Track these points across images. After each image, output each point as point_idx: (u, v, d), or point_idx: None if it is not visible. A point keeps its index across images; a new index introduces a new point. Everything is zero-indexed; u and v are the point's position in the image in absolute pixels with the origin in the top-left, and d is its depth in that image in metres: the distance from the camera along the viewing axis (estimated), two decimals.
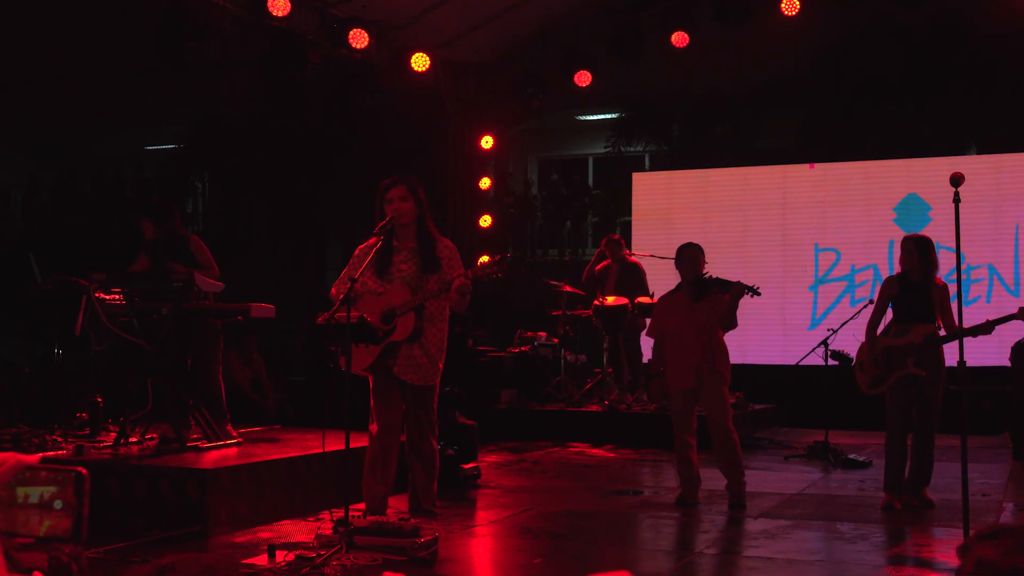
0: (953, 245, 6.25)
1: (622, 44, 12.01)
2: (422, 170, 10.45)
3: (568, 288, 12.18)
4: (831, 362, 10.01)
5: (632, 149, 17.02)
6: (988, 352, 10.89)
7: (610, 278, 11.78)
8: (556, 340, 12.57)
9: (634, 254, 12.31)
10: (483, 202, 13.72)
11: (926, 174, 13.57)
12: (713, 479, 7.73)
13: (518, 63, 12.90)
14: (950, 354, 6.89)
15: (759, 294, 7.43)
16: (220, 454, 7.09)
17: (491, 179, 13.76)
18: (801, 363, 10.59)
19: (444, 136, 13.45)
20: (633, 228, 14.83)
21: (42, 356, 9.28)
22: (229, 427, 7.65)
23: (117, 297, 7.14)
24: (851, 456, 9.59)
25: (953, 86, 14.55)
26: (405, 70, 11.78)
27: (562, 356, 12.43)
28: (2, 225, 19.57)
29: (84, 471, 1.27)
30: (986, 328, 6.93)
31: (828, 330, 10.22)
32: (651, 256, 11.87)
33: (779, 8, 11.25)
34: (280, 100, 15.84)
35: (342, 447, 5.81)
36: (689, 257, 7.61)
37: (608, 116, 17.24)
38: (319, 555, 5.41)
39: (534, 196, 18.00)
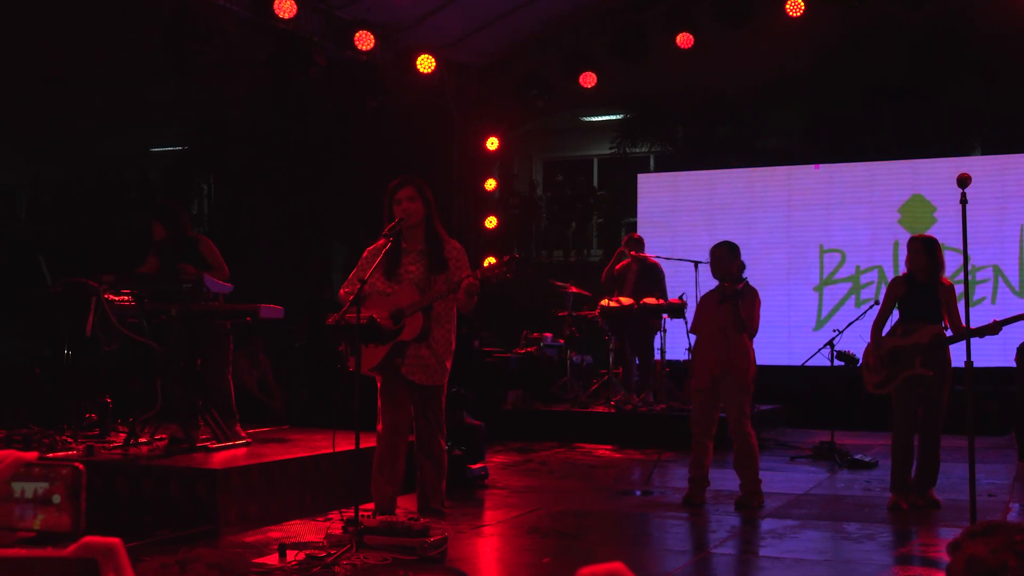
0: (958, 246, 6.29)
1: (625, 45, 12.02)
2: (427, 172, 10.48)
3: (574, 289, 12.19)
4: (837, 363, 10.02)
5: (637, 150, 17.03)
6: (993, 353, 10.90)
7: (629, 278, 11.73)
8: (562, 341, 12.60)
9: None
10: (488, 203, 13.74)
11: (931, 175, 13.59)
12: (726, 480, 7.74)
13: (522, 64, 12.92)
14: (957, 355, 6.92)
15: (730, 299, 7.42)
16: (229, 454, 7.12)
17: (496, 180, 13.77)
18: (807, 364, 10.60)
19: (449, 138, 13.47)
20: (638, 229, 14.85)
21: (49, 357, 9.30)
22: (238, 427, 7.68)
23: (126, 298, 7.16)
24: (857, 456, 9.61)
25: (957, 86, 14.55)
26: (410, 72, 11.80)
27: (568, 357, 12.46)
28: (7, 227, 19.60)
29: (81, 466, 1.30)
30: (993, 328, 6.95)
31: (834, 331, 10.22)
32: (658, 257, 11.89)
33: (782, 8, 11.26)
34: (284, 102, 15.87)
35: (351, 447, 5.84)
36: (714, 256, 7.64)
37: (612, 117, 17.25)
38: (329, 554, 5.45)
39: (539, 197, 18.01)
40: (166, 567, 1.51)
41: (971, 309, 6.48)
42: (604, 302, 11.54)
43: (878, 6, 12.02)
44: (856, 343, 8.98)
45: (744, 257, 7.67)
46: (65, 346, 8.09)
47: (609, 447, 10.78)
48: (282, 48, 10.50)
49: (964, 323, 6.65)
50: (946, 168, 12.78)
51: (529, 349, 12.66)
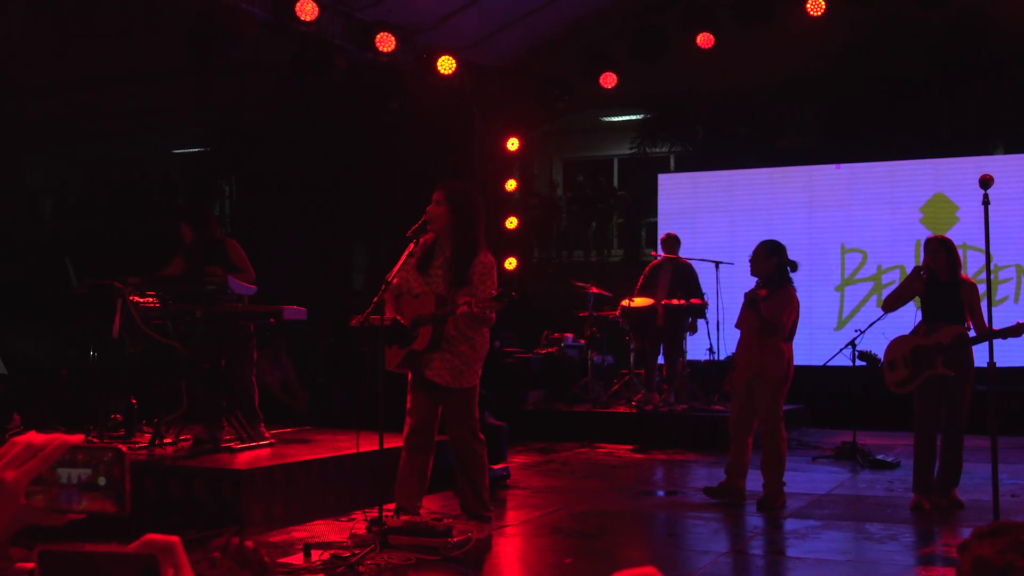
0: (981, 245, 6.28)
1: (645, 45, 12.03)
2: (448, 172, 10.51)
3: (594, 289, 12.20)
4: (858, 363, 10.00)
5: (657, 150, 17.00)
6: (1017, 352, 10.86)
7: (662, 279, 11.68)
8: (583, 341, 12.61)
9: (658, 255, 12.28)
10: (509, 204, 13.77)
11: (953, 174, 13.53)
12: (749, 480, 7.75)
13: (542, 65, 12.94)
14: (980, 355, 6.90)
15: (752, 308, 7.45)
16: (254, 455, 7.18)
17: (516, 181, 13.80)
18: (828, 364, 10.58)
19: (469, 139, 13.51)
20: (659, 229, 14.84)
21: (75, 359, 9.38)
22: (262, 428, 7.73)
23: (151, 300, 7.22)
24: (879, 456, 9.59)
25: (978, 84, 14.48)
26: (430, 73, 11.84)
27: (589, 357, 12.47)
28: (32, 229, 19.74)
29: (124, 447, 1.34)
30: (1017, 330, 6.94)
31: (855, 331, 10.20)
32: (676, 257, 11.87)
33: (803, 8, 11.25)
34: (305, 103, 15.94)
35: (375, 448, 5.88)
36: (752, 255, 7.66)
37: (633, 117, 17.23)
38: (353, 554, 5.48)
39: (559, 197, 18.00)
40: (199, 562, 1.55)
41: (994, 308, 6.47)
42: (625, 302, 11.53)
43: (898, 5, 12.00)
44: (878, 343, 8.96)
45: None
46: (91, 348, 8.16)
47: (630, 447, 10.79)
48: (303, 50, 10.55)
49: (987, 323, 6.64)
50: (968, 167, 12.72)
51: (550, 349, 12.68)
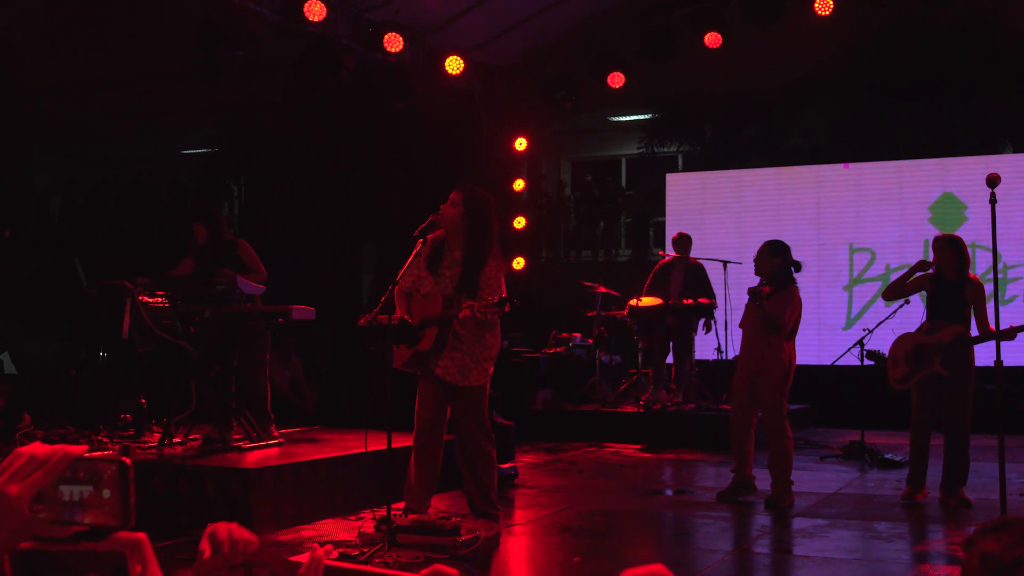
0: (990, 244, 6.27)
1: (654, 45, 12.02)
2: (456, 173, 10.53)
3: (602, 289, 12.21)
4: (867, 362, 9.99)
5: (665, 150, 17.02)
6: (1021, 351, 10.84)
7: (674, 279, 11.66)
8: (591, 341, 12.62)
9: (668, 254, 12.28)
10: (517, 204, 13.77)
11: (961, 173, 13.51)
12: (758, 478, 7.75)
13: (550, 65, 12.94)
14: (986, 353, 6.90)
15: (756, 302, 7.47)
16: (263, 454, 7.20)
17: (524, 181, 13.81)
18: (836, 363, 10.58)
19: (477, 139, 13.51)
20: (666, 229, 14.85)
21: (85, 359, 9.42)
22: (273, 428, 7.75)
23: (161, 300, 7.25)
24: (887, 456, 9.59)
25: (987, 84, 14.47)
26: (438, 73, 11.85)
27: (597, 357, 12.48)
28: (42, 230, 19.81)
29: (128, 460, 1.35)
30: (1010, 334, 6.94)
31: (864, 330, 10.20)
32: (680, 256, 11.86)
33: (811, 7, 11.24)
34: (313, 103, 15.97)
35: (383, 447, 5.89)
36: (757, 254, 7.68)
37: (640, 117, 17.25)
38: (362, 552, 5.51)
39: (567, 197, 18.03)
40: (234, 569, 1.53)
41: (1004, 308, 6.50)
42: (633, 302, 11.53)
43: (907, 4, 11.97)
44: (886, 342, 8.95)
45: None
46: (100, 348, 8.20)
47: (638, 447, 10.80)
48: (311, 51, 10.57)
49: (991, 324, 6.64)
50: (977, 166, 12.70)
51: (558, 349, 12.70)
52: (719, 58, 12.24)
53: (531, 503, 7.69)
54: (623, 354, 13.24)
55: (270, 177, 17.64)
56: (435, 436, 6.36)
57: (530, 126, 13.58)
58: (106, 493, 1.33)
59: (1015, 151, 14.56)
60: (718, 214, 14.66)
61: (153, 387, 8.73)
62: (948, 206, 13.55)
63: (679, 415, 11.23)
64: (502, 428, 8.46)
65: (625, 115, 17.61)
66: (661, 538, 6.97)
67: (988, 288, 7.38)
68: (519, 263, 12.90)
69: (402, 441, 6.43)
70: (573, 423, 11.60)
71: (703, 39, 11.86)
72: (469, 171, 13.07)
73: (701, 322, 11.53)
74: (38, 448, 1.34)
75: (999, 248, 6.41)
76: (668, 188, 15.31)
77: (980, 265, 12.25)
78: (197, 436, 7.51)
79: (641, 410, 11.45)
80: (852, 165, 14.31)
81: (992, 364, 6.21)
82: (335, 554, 5.55)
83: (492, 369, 6.34)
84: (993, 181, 6.13)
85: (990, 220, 6.22)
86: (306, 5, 9.92)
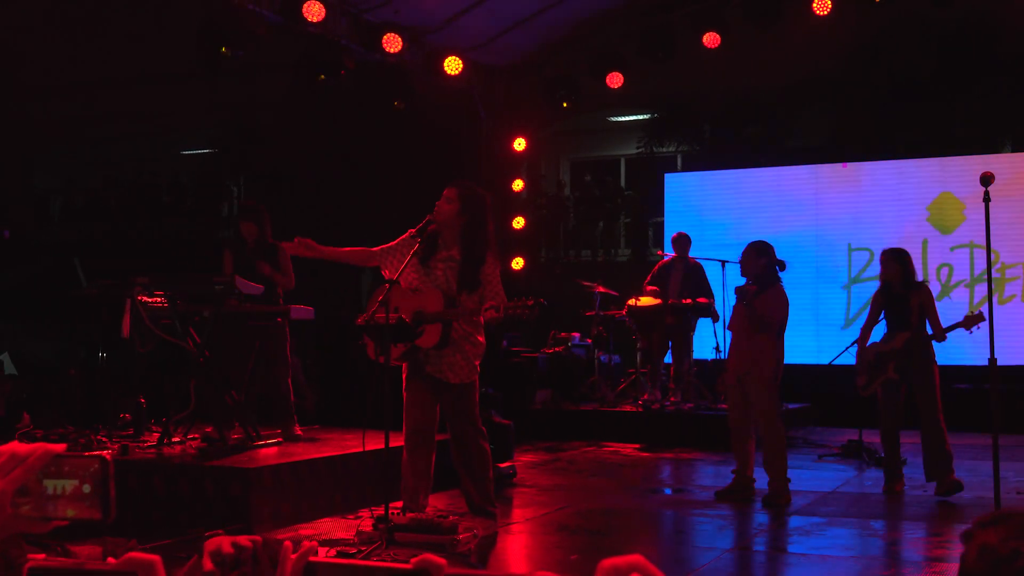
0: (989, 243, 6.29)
1: (653, 45, 12.04)
2: (455, 173, 10.53)
3: (601, 289, 12.22)
4: None
5: (664, 150, 17.04)
6: (1020, 350, 10.86)
7: (673, 278, 11.67)
8: (590, 340, 12.64)
9: (667, 254, 12.30)
10: (516, 204, 13.78)
11: (960, 172, 13.51)
12: (759, 478, 7.77)
13: (549, 65, 12.96)
14: (983, 353, 6.92)
15: (745, 301, 7.56)
16: (262, 454, 7.22)
17: (524, 181, 13.82)
18: (835, 362, 10.59)
19: (476, 139, 13.52)
20: (665, 229, 14.87)
21: (85, 358, 9.45)
22: (296, 427, 7.89)
23: (160, 300, 7.28)
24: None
25: (986, 83, 14.49)
26: (437, 73, 11.87)
27: (596, 356, 12.50)
28: (41, 231, 19.84)
29: (108, 455, 1.38)
30: (967, 323, 7.59)
31: (862, 329, 10.19)
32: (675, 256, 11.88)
33: (810, 7, 11.26)
34: (313, 103, 15.99)
35: (381, 446, 5.91)
36: (742, 255, 7.75)
37: (640, 117, 17.27)
38: (360, 551, 5.53)
39: (567, 197, 18.05)
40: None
41: (1003, 307, 6.52)
42: (632, 301, 11.55)
43: (907, 4, 11.99)
44: None
45: None
46: (100, 347, 8.22)
47: (637, 446, 10.82)
48: (311, 51, 10.59)
49: (987, 319, 6.80)
50: (975, 166, 12.70)
51: (557, 349, 12.72)
52: (718, 58, 12.26)
53: (530, 502, 7.71)
54: (622, 354, 13.26)
55: (270, 177, 17.65)
56: (427, 436, 6.34)
57: (529, 126, 13.60)
58: (87, 488, 1.35)
59: (1014, 150, 14.58)
60: (717, 214, 14.68)
61: (153, 387, 8.76)
62: (946, 205, 13.57)
63: (677, 415, 11.25)
64: (501, 427, 8.48)
65: (624, 115, 17.63)
66: (659, 536, 6.99)
67: (981, 288, 7.46)
68: (518, 263, 12.92)
69: (400, 441, 6.45)
70: (572, 422, 11.62)
71: (702, 39, 11.87)
72: (469, 171, 13.08)
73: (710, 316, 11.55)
74: (18, 446, 1.37)
75: (998, 247, 6.44)
76: (667, 188, 15.33)
77: (980, 264, 12.28)
78: (196, 435, 7.53)
79: (640, 410, 11.47)
80: (851, 164, 14.33)
81: (986, 364, 6.23)
82: (322, 552, 5.57)
83: (479, 366, 6.37)
84: (987, 180, 6.18)
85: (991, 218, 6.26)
86: (305, 5, 9.95)
